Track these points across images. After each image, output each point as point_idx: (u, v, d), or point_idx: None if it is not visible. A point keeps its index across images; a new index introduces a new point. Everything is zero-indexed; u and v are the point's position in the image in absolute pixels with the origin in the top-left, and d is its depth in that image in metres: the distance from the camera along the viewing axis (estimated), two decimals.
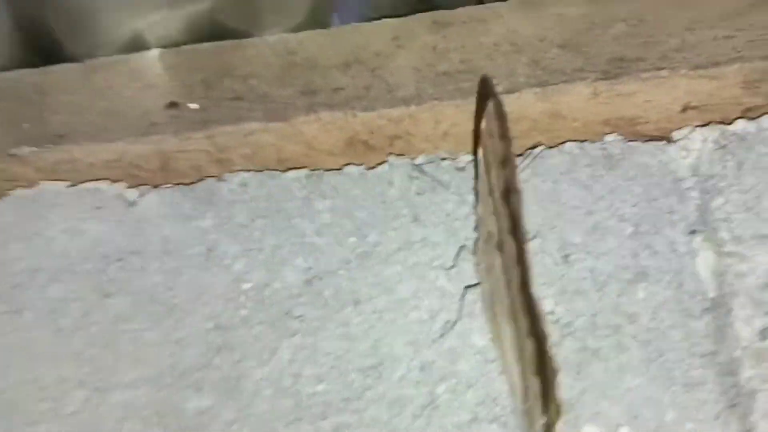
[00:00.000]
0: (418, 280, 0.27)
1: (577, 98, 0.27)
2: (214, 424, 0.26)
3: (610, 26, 0.27)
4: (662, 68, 0.26)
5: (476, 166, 0.27)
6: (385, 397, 0.26)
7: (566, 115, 0.28)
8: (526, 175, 0.28)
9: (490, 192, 0.22)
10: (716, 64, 0.25)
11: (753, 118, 0.28)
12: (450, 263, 0.27)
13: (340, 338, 0.27)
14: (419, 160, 0.29)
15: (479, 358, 0.26)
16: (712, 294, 0.26)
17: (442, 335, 0.27)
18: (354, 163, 0.30)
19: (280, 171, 0.30)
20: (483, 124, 0.22)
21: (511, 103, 0.26)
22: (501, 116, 0.21)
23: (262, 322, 0.27)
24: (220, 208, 0.29)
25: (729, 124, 0.28)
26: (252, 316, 0.27)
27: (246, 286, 0.28)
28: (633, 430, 0.24)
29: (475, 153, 0.28)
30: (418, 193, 0.29)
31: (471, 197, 0.28)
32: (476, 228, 0.26)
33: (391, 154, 0.30)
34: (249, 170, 0.30)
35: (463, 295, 0.27)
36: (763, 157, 0.27)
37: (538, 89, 0.26)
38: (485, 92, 0.26)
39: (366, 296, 0.28)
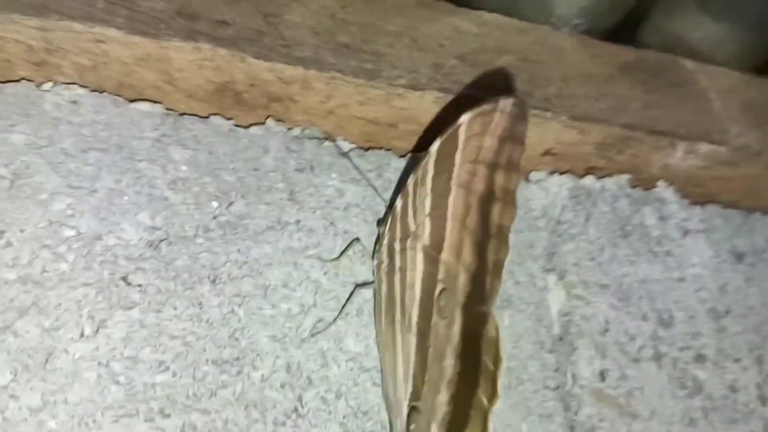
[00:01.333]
0: (291, 268, 0.39)
1: None
2: (11, 410, 0.30)
3: (501, 55, 0.48)
4: (548, 110, 0.46)
5: (414, 161, 0.40)
6: (243, 398, 0.35)
7: None
8: None
9: (432, 193, 0.35)
10: (589, 119, 0.48)
11: (599, 177, 0.51)
12: (327, 255, 0.40)
13: (191, 320, 0.35)
14: (296, 132, 0.42)
15: (353, 365, 0.38)
16: (557, 331, 0.45)
17: (313, 335, 0.38)
18: (221, 115, 0.41)
19: (124, 100, 0.38)
20: (476, 121, 0.35)
21: (414, 101, 0.43)
22: (525, 118, 0.35)
23: (89, 284, 0.34)
24: (38, 123, 0.35)
25: (580, 177, 0.50)
26: (75, 275, 0.34)
27: (68, 233, 0.34)
28: None
29: (418, 149, 0.42)
30: (297, 170, 0.41)
31: (352, 187, 0.42)
32: (385, 224, 0.39)
33: (270, 117, 0.42)
34: (83, 87, 0.37)
35: (340, 294, 0.39)
36: (605, 214, 0.50)
37: (440, 94, 0.44)
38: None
39: (227, 275, 0.37)
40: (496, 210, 0.34)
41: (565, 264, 0.47)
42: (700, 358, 0.48)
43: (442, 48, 0.46)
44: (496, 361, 0.34)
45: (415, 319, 0.36)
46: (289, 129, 0.42)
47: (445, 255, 0.35)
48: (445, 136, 0.35)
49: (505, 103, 0.33)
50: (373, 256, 0.39)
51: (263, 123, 0.42)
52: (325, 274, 0.39)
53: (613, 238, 0.49)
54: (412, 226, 0.36)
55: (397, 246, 0.37)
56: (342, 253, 0.40)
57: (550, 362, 0.44)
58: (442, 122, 0.45)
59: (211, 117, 0.40)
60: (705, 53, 0.57)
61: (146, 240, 0.36)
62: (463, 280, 0.34)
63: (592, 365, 0.45)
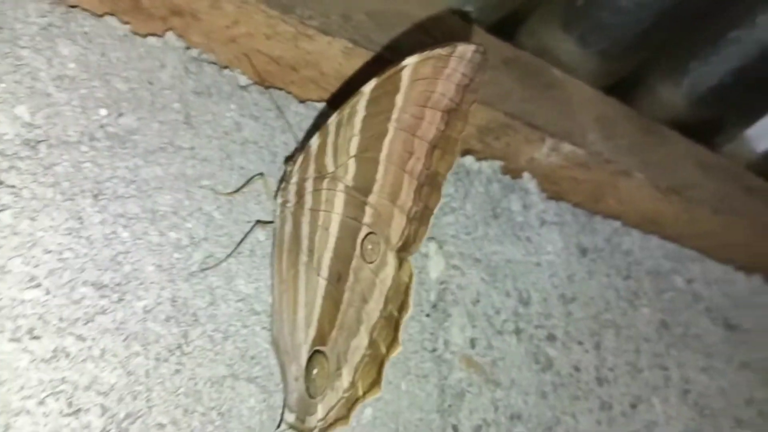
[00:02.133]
0: (183, 196, 0.34)
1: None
2: None
3: (404, 22, 0.46)
4: None
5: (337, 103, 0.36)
6: (123, 328, 0.30)
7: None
8: None
9: (361, 135, 0.32)
10: (481, 102, 0.47)
11: (477, 159, 0.51)
12: (221, 188, 0.36)
13: (69, 235, 0.30)
14: (194, 53, 0.38)
15: (242, 306, 0.34)
16: (434, 297, 0.44)
17: (203, 270, 0.33)
18: (116, 17, 0.35)
19: None
20: (426, 65, 0.32)
21: (322, 46, 0.40)
22: (484, 67, 0.33)
23: None
24: None
25: (461, 156, 0.50)
26: None
27: None
28: (375, 410, 0.37)
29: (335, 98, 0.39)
30: (195, 93, 0.37)
31: (251, 122, 0.38)
32: (294, 163, 0.35)
33: (170, 30, 0.37)
34: None
35: (233, 231, 0.35)
36: (480, 195, 0.50)
37: (350, 44, 0.41)
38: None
39: (112, 191, 0.32)
40: (436, 157, 0.32)
41: (445, 235, 0.46)
42: (551, 337, 0.49)
43: (352, 1, 0.44)
44: (402, 308, 0.32)
45: (327, 261, 0.33)
46: (188, 48, 0.38)
47: (375, 198, 0.33)
48: (383, 77, 0.32)
49: (466, 50, 0.32)
50: (275, 195, 0.35)
51: (162, 36, 0.37)
52: (218, 207, 0.35)
53: (486, 218, 0.49)
54: (330, 167, 0.33)
55: (309, 186, 0.34)
56: (242, 187, 0.36)
57: (427, 325, 0.42)
58: (345, 75, 0.43)
59: (106, 17, 0.35)
60: (568, 66, 0.60)
61: (23, 137, 0.30)
62: (398, 223, 0.33)
63: (464, 333, 0.44)
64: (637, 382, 0.54)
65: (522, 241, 0.51)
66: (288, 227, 0.34)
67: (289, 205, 0.34)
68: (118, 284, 0.31)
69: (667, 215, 0.64)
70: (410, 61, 0.32)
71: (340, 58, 0.42)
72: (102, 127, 0.33)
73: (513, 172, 0.54)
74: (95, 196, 0.31)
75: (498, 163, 0.52)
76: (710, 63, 0.66)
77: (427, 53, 0.32)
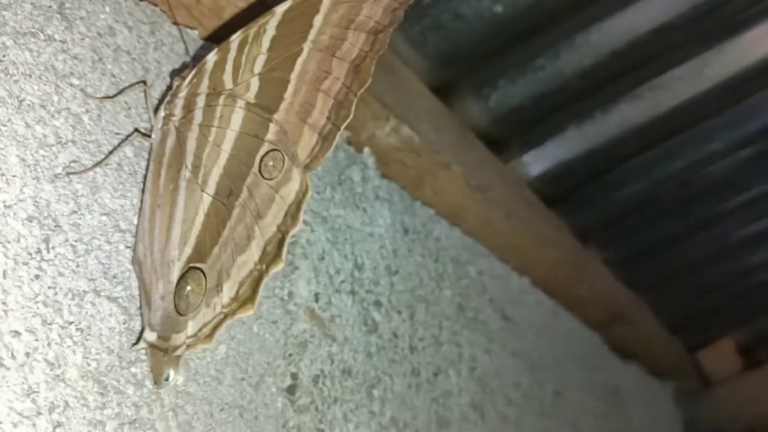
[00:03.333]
0: (51, 89, 0.29)
1: None
2: None
3: None
4: None
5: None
6: None
7: None
8: None
9: (269, 53, 0.30)
10: None
11: None
12: (92, 91, 0.31)
13: None
14: None
15: (107, 221, 0.30)
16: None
17: (68, 174, 0.29)
18: None
19: None
20: None
21: None
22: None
23: None
24: None
25: None
26: None
27: None
28: (229, 348, 0.35)
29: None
30: None
31: (125, 31, 0.34)
32: (181, 77, 0.31)
33: None
34: None
35: (100, 139, 0.31)
36: (329, 159, 0.49)
37: None
38: None
39: None
40: (352, 76, 0.32)
41: None
42: (377, 303, 0.50)
43: None
44: (291, 224, 0.31)
45: (215, 177, 0.31)
46: None
47: (282, 116, 0.31)
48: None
49: None
50: (156, 109, 0.32)
51: None
52: (87, 111, 0.31)
53: (332, 182, 0.49)
54: (228, 84, 0.31)
55: (200, 101, 0.31)
56: (119, 93, 0.32)
57: (278, 274, 0.41)
58: (220, 8, 0.40)
59: None
60: (403, 58, 0.62)
61: None
62: (308, 141, 0.31)
63: (309, 286, 0.43)
64: (439, 354, 0.57)
65: (360, 210, 0.51)
66: (170, 141, 0.31)
67: (174, 119, 0.31)
68: None
69: (470, 211, 0.68)
70: None
71: None
72: None
73: (356, 144, 0.54)
74: None
75: (346, 133, 0.52)
76: (516, 84, 0.72)
77: None
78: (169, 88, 0.32)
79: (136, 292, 0.30)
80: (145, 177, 0.32)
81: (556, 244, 0.83)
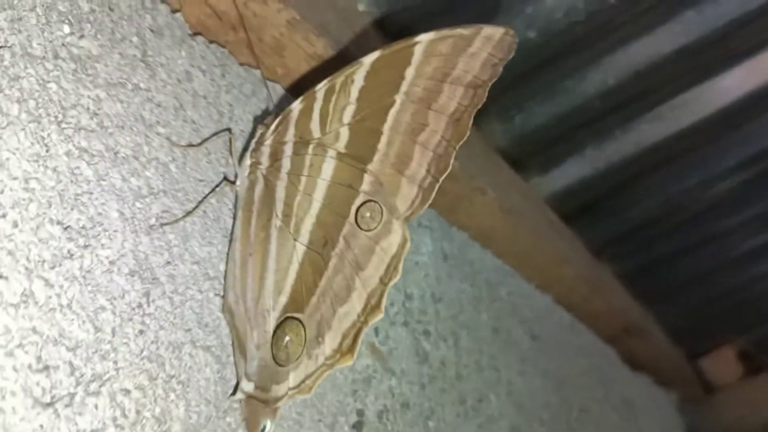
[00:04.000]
0: (142, 140, 0.29)
1: None
2: None
3: None
4: None
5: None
6: (90, 277, 0.25)
7: None
8: None
9: (358, 104, 0.31)
10: None
11: None
12: (176, 139, 0.31)
13: (36, 162, 0.24)
14: None
15: (197, 269, 0.30)
16: None
17: (162, 225, 0.29)
18: None
19: None
20: (445, 43, 0.31)
21: (269, 11, 0.37)
22: (512, 50, 0.31)
23: None
24: None
25: None
26: None
27: None
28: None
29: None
30: (151, 30, 0.32)
31: (200, 75, 0.34)
32: (267, 126, 0.32)
33: None
34: None
35: (187, 187, 0.31)
36: None
37: (297, 16, 0.39)
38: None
39: (76, 120, 0.26)
40: (452, 129, 0.31)
41: None
42: (426, 333, 0.50)
43: None
44: (393, 275, 0.31)
45: (307, 227, 0.31)
46: None
47: (377, 167, 0.31)
48: (389, 50, 0.31)
49: (494, 32, 0.31)
50: (241, 156, 0.32)
51: None
52: (173, 160, 0.31)
53: None
54: (316, 133, 0.31)
55: (288, 150, 0.31)
56: (205, 141, 0.32)
57: None
58: (283, 46, 0.40)
59: None
60: None
61: None
62: (408, 193, 0.31)
63: None
64: (481, 379, 0.57)
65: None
66: (258, 190, 0.31)
67: (261, 167, 0.31)
68: (83, 227, 0.25)
69: (500, 233, 0.68)
70: (424, 38, 0.31)
71: (283, 29, 0.39)
72: (64, 45, 0.27)
73: None
74: (59, 123, 0.26)
75: None
76: (543, 105, 0.72)
77: (445, 32, 0.31)
78: (252, 135, 0.32)
79: (227, 341, 0.30)
80: (233, 224, 0.32)
81: (573, 261, 0.84)
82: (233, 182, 0.32)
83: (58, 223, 0.24)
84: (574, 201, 0.85)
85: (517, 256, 0.74)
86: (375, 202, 0.31)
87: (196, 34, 0.35)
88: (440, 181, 0.32)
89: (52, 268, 0.24)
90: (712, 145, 0.85)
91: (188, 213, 0.30)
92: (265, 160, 0.31)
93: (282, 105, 0.37)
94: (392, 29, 0.53)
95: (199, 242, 0.31)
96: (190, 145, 0.31)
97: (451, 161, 0.32)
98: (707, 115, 0.78)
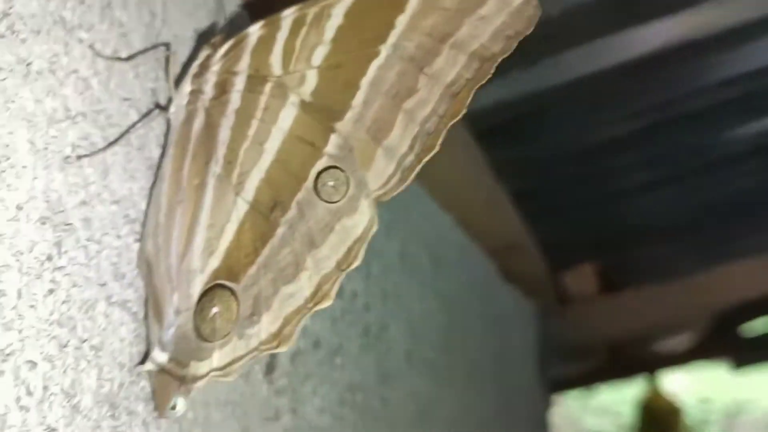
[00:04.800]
0: (61, 48, 0.24)
1: None
2: None
3: None
4: None
5: None
6: None
7: None
8: None
9: (333, 46, 0.26)
10: None
11: None
12: (101, 47, 0.25)
13: None
14: None
15: (117, 210, 0.25)
16: None
17: (79, 157, 0.24)
18: None
19: None
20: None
21: None
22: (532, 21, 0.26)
23: None
24: None
25: None
26: None
27: None
28: None
29: None
30: None
31: None
32: (214, 47, 0.26)
33: None
34: None
35: (109, 108, 0.26)
36: None
37: None
38: None
39: None
40: (446, 103, 0.27)
41: None
42: None
43: None
44: (350, 261, 0.27)
45: (254, 182, 0.26)
46: None
47: (348, 128, 0.27)
48: None
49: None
50: (178, 80, 0.27)
51: None
52: (95, 74, 0.25)
53: None
54: (276, 69, 0.26)
55: (239, 82, 0.26)
56: (137, 54, 0.26)
57: None
58: None
59: None
60: None
61: None
62: (382, 168, 0.27)
63: None
64: (385, 308, 0.56)
65: None
66: (197, 125, 0.26)
67: (203, 97, 0.26)
68: None
69: None
70: None
71: None
72: None
73: None
74: None
75: None
76: None
77: None
78: (193, 55, 0.27)
79: (142, 293, 0.26)
80: (162, 158, 0.27)
81: (479, 182, 0.84)
82: (165, 108, 0.27)
83: None
84: (487, 122, 0.84)
85: (430, 177, 0.72)
86: (341, 170, 0.26)
87: None
88: (423, 162, 0.27)
89: None
90: (624, 88, 0.86)
91: (111, 143, 0.25)
92: (208, 90, 0.26)
93: (236, 24, 0.31)
94: None
95: (119, 177, 0.26)
96: (118, 59, 0.26)
97: (440, 141, 0.27)
98: (627, 60, 0.78)
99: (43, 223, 0.22)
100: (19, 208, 0.21)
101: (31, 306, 0.21)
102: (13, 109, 0.21)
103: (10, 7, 0.22)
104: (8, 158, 0.21)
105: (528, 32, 0.26)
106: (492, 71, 0.27)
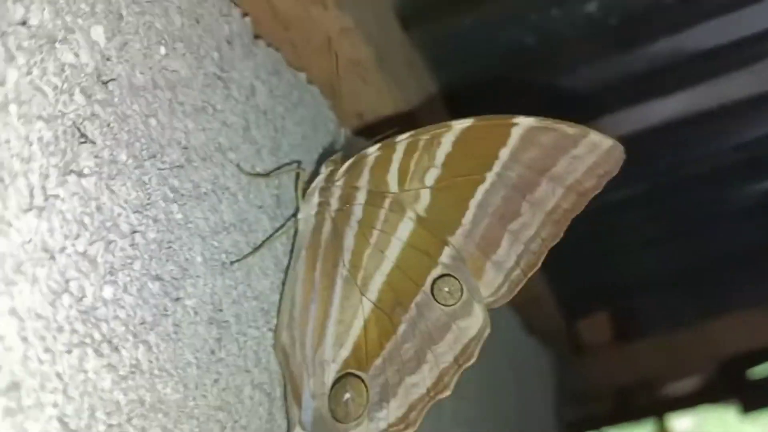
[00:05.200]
0: (219, 171, 0.28)
1: None
2: None
3: None
4: None
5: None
6: (180, 332, 0.23)
7: None
8: None
9: (444, 170, 0.29)
10: None
11: None
12: (244, 165, 0.29)
13: (139, 213, 0.22)
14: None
15: (257, 305, 0.29)
16: None
17: (232, 263, 0.28)
18: None
19: None
20: (547, 135, 0.29)
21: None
22: (618, 167, 0.29)
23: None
24: None
25: None
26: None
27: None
28: None
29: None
30: (228, 42, 0.29)
31: (260, 86, 0.32)
32: (337, 164, 0.30)
33: None
34: None
35: (250, 218, 0.29)
36: None
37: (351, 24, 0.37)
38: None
39: (170, 159, 0.24)
40: (548, 228, 0.30)
41: None
42: None
43: None
44: (467, 357, 0.30)
45: (377, 284, 0.29)
46: None
47: (459, 242, 0.30)
48: (484, 122, 0.29)
49: (601, 141, 0.29)
50: (306, 192, 0.31)
51: None
52: (241, 188, 0.29)
53: None
54: (392, 187, 0.30)
55: (361, 197, 0.30)
56: (275, 170, 0.30)
57: None
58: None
59: None
60: None
61: (97, 67, 0.21)
62: (492, 279, 0.30)
63: None
64: None
65: None
66: (326, 231, 0.30)
67: (330, 208, 0.30)
68: (175, 278, 0.24)
69: None
70: (524, 121, 0.29)
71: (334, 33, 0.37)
72: (161, 71, 0.25)
73: None
74: (157, 163, 0.24)
75: None
76: None
77: (548, 122, 0.29)
78: (322, 172, 0.31)
79: (275, 376, 0.30)
80: (289, 259, 0.31)
81: None
82: (294, 215, 0.31)
83: (157, 278, 0.23)
84: None
85: None
86: (455, 278, 0.30)
87: (256, 37, 0.33)
88: (528, 277, 0.30)
89: (152, 329, 0.22)
90: (638, 153, 0.89)
91: (256, 249, 0.29)
92: (334, 202, 0.30)
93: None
94: None
95: (258, 275, 0.29)
96: (259, 174, 0.30)
97: (541, 261, 0.30)
98: (643, 128, 0.82)
99: (210, 323, 0.26)
100: (195, 312, 0.25)
101: (203, 395, 0.25)
102: (191, 228, 0.25)
103: (188, 141, 0.26)
104: (187, 270, 0.25)
105: (616, 172, 0.30)
106: (585, 205, 0.30)
